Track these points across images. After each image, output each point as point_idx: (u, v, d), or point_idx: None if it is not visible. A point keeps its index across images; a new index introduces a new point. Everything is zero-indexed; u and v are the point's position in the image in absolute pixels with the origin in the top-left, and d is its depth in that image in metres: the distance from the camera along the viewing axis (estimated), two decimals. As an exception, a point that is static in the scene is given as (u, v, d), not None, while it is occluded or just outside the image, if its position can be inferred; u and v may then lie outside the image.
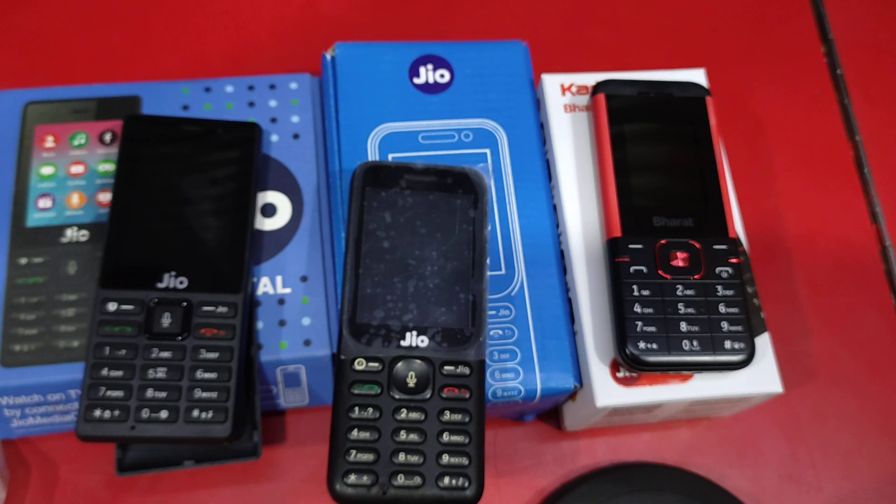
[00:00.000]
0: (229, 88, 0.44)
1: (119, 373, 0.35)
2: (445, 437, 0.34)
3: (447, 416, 0.34)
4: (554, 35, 0.54)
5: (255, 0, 0.54)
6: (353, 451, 0.33)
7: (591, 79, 0.44)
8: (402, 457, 0.33)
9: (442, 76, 0.44)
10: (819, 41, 0.56)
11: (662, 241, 0.38)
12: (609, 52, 0.54)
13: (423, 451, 0.33)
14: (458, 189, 0.38)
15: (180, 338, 0.36)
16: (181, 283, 0.37)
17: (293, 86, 0.45)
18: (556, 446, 0.44)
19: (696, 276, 0.37)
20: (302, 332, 0.39)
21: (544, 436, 0.44)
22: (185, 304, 0.37)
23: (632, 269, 0.37)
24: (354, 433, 0.33)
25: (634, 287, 0.37)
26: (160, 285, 0.37)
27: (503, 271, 0.40)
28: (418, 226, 0.37)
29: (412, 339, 0.35)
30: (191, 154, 0.40)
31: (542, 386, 0.38)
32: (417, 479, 0.33)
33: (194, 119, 0.41)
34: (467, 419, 0.34)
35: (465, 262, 0.37)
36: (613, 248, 0.38)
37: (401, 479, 0.33)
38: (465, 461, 0.33)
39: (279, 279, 0.40)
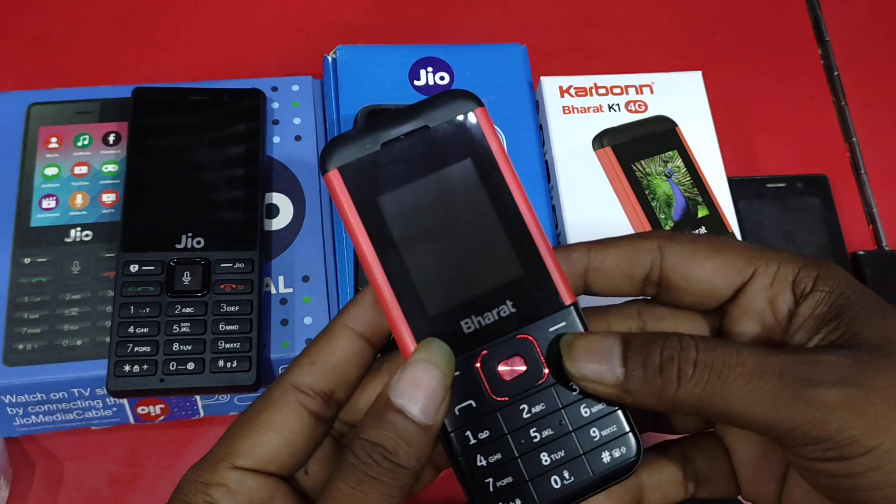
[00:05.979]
0: (231, 90, 0.44)
1: (145, 329, 0.37)
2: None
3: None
4: (552, 38, 0.54)
5: (257, 3, 0.54)
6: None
7: (589, 81, 0.44)
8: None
9: (442, 78, 0.44)
10: (816, 43, 0.57)
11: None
12: (607, 54, 0.55)
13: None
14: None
15: (200, 294, 0.38)
16: (198, 243, 0.39)
17: (295, 88, 0.45)
18: (555, 445, 0.44)
19: None
20: (303, 331, 0.40)
21: (543, 434, 0.44)
22: (203, 262, 0.38)
23: None
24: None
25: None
26: (178, 246, 0.39)
27: (502, 271, 0.40)
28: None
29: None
30: (200, 121, 0.42)
31: (540, 384, 0.38)
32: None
33: (200, 88, 0.43)
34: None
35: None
36: None
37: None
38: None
39: (281, 279, 0.41)
